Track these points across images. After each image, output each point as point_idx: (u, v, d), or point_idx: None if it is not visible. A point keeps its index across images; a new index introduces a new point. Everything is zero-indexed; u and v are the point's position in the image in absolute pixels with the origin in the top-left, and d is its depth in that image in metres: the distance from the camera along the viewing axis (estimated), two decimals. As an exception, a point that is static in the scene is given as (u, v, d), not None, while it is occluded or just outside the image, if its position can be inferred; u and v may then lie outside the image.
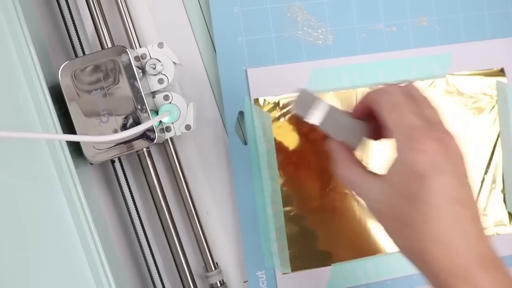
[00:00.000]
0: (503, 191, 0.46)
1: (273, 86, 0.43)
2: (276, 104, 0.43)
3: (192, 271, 0.44)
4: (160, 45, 0.40)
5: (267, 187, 0.43)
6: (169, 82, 0.40)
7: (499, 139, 0.46)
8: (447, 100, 0.46)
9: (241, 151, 0.43)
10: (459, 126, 0.46)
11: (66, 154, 0.37)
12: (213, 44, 0.44)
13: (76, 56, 0.43)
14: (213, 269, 0.43)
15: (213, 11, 0.43)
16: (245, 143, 0.44)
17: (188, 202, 0.43)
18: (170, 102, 0.40)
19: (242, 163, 0.43)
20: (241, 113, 0.43)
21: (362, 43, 0.45)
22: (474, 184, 0.45)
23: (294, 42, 0.44)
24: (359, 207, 0.44)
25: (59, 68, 0.38)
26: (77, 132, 0.38)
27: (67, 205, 0.37)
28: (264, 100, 0.43)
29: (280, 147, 0.43)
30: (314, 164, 0.44)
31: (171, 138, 0.43)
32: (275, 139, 0.43)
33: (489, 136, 0.46)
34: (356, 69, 0.44)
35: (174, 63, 0.40)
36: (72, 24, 0.43)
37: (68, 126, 0.39)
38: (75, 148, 0.39)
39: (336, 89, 0.44)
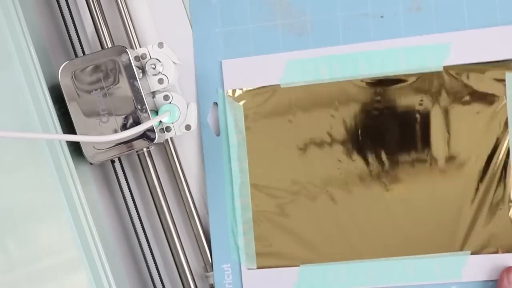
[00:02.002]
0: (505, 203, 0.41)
1: (248, 78, 0.42)
2: (250, 96, 0.43)
3: (192, 271, 0.43)
4: (160, 45, 0.40)
5: (236, 180, 0.43)
6: (169, 82, 0.40)
7: (509, 145, 0.41)
8: (443, 97, 0.41)
9: (213, 142, 0.43)
10: (458, 128, 0.41)
11: (66, 154, 0.38)
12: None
13: (76, 56, 0.43)
14: (213, 269, 0.43)
15: (192, 3, 0.43)
16: (218, 134, 0.43)
17: (188, 202, 0.43)
18: (170, 102, 0.40)
19: (214, 154, 0.43)
20: (215, 104, 0.43)
21: (345, 33, 0.41)
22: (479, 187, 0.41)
23: (272, 32, 0.42)
24: (334, 206, 0.42)
25: (59, 68, 0.38)
26: (77, 132, 0.38)
27: (67, 205, 0.37)
28: (237, 91, 0.43)
29: (251, 140, 0.43)
30: (286, 157, 0.42)
31: (171, 138, 0.43)
32: (246, 131, 0.43)
33: (495, 137, 0.41)
34: (336, 60, 0.41)
35: (174, 63, 0.40)
36: (72, 24, 0.43)
37: (68, 126, 0.39)
38: (75, 148, 0.39)
39: (312, 81, 0.42)
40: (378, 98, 0.41)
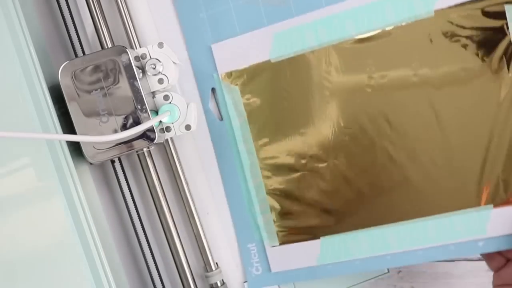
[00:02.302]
0: None
1: (238, 58, 0.42)
2: (244, 76, 0.43)
3: (192, 271, 0.44)
4: (160, 45, 0.40)
5: (245, 161, 0.43)
6: (169, 82, 0.40)
7: None
8: (439, 46, 0.38)
9: (218, 127, 0.43)
10: (459, 79, 0.38)
11: (66, 154, 0.38)
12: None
13: (76, 56, 0.43)
14: (213, 269, 0.43)
15: None
16: (221, 119, 0.44)
17: (188, 202, 0.43)
18: (170, 102, 0.40)
19: (221, 139, 0.43)
20: (214, 90, 0.44)
21: None
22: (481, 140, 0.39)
23: (253, 8, 0.42)
24: (346, 173, 0.41)
25: (59, 68, 0.38)
26: (77, 132, 0.38)
27: (67, 205, 0.37)
28: (231, 73, 0.43)
29: (252, 120, 0.43)
30: (289, 131, 0.42)
31: (171, 138, 0.43)
32: (246, 112, 0.43)
33: (504, 82, 0.38)
34: (322, 24, 0.40)
35: (174, 63, 0.40)
36: (72, 24, 0.43)
37: (68, 126, 0.39)
38: (75, 148, 0.39)
39: (302, 51, 0.41)
40: (371, 57, 0.40)
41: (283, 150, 0.43)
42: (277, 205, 0.43)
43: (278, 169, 0.43)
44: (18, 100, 0.37)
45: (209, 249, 0.44)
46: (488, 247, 0.39)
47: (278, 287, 0.45)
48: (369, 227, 0.41)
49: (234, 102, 0.43)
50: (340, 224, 0.42)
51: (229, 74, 0.43)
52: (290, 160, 0.43)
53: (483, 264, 0.48)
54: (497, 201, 0.39)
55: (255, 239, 0.44)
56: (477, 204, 0.39)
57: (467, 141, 0.39)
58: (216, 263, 0.44)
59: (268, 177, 0.43)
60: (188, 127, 0.40)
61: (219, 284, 0.43)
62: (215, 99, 0.44)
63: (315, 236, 0.42)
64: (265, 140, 0.43)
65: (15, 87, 0.37)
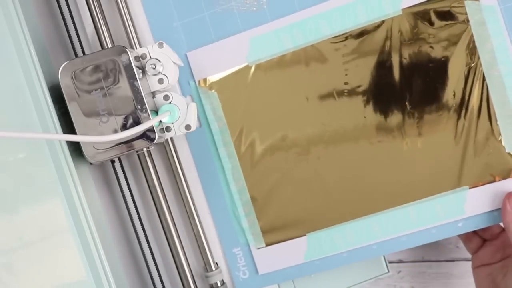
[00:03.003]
0: (494, 133, 0.41)
1: (215, 64, 0.43)
2: (221, 81, 0.43)
3: (192, 271, 0.44)
4: (160, 45, 0.40)
5: (226, 165, 0.43)
6: (169, 82, 0.40)
7: (483, 71, 0.40)
8: (410, 43, 0.41)
9: (197, 134, 0.44)
10: (427, 70, 0.41)
11: (66, 154, 0.38)
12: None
13: (76, 56, 0.43)
14: (213, 269, 0.43)
15: (145, 2, 0.43)
16: (200, 125, 0.44)
17: (188, 202, 0.43)
18: (170, 102, 0.40)
19: (201, 145, 0.44)
20: (191, 97, 0.44)
21: None
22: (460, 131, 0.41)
23: (228, 15, 0.43)
24: (325, 168, 0.42)
25: (59, 68, 0.38)
26: (77, 132, 0.38)
27: (67, 205, 0.37)
28: (208, 79, 0.43)
29: (232, 124, 0.43)
30: (268, 132, 0.43)
31: (171, 138, 0.43)
32: (225, 117, 0.43)
33: (467, 71, 0.41)
34: (296, 27, 0.42)
35: (174, 63, 0.40)
36: (72, 24, 0.43)
37: (68, 126, 0.39)
38: (75, 148, 0.39)
39: (279, 53, 0.42)
40: (347, 57, 0.42)
41: (263, 152, 0.43)
42: (261, 207, 0.43)
43: (260, 170, 0.43)
44: (18, 100, 0.37)
45: (209, 249, 0.44)
46: (467, 227, 0.41)
47: (278, 286, 0.45)
48: (353, 219, 0.42)
49: (213, 107, 0.43)
50: (325, 219, 0.43)
51: (206, 81, 0.43)
52: (271, 160, 0.43)
53: (483, 264, 0.48)
54: (472, 181, 0.41)
55: (240, 243, 0.44)
56: (454, 186, 0.41)
57: (440, 130, 0.41)
58: (216, 263, 0.44)
59: (250, 179, 0.43)
60: (188, 127, 0.40)
61: (219, 284, 0.43)
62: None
63: (301, 233, 0.43)
64: (246, 142, 0.43)
65: (15, 87, 0.37)
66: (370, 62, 0.42)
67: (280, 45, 0.42)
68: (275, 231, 0.43)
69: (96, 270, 0.37)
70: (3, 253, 0.35)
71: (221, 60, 0.43)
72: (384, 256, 0.45)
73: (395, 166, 0.42)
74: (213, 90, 0.43)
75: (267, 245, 0.43)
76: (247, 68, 0.43)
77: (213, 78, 0.43)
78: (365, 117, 0.42)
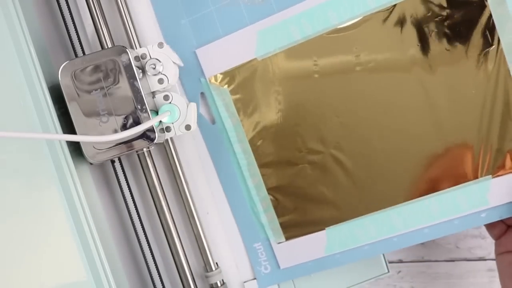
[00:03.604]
0: None
1: (224, 59, 0.42)
2: (232, 77, 0.43)
3: (192, 271, 0.44)
4: (160, 45, 0.40)
5: (242, 161, 0.43)
6: (169, 82, 0.40)
7: (504, 54, 0.38)
8: (422, 27, 0.40)
9: (211, 131, 0.44)
10: (445, 60, 0.39)
11: (66, 154, 0.38)
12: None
13: (76, 56, 0.43)
14: (213, 269, 0.43)
15: (153, 1, 0.43)
16: (214, 122, 0.44)
17: (188, 202, 0.43)
18: (170, 102, 0.41)
19: (216, 142, 0.44)
20: (203, 94, 0.44)
21: None
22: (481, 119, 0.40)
23: (235, 8, 0.42)
24: (344, 161, 0.42)
25: (59, 68, 0.38)
26: (77, 132, 0.38)
27: (67, 205, 0.37)
28: (219, 75, 0.43)
29: (245, 120, 0.43)
30: (283, 126, 0.43)
31: (171, 138, 0.43)
32: (238, 113, 0.43)
33: (486, 55, 0.39)
34: (304, 17, 0.41)
35: (174, 63, 0.40)
36: (72, 24, 0.43)
37: (68, 126, 0.39)
38: (75, 148, 0.39)
39: (288, 45, 0.42)
40: (357, 48, 0.41)
41: (279, 146, 0.43)
42: (279, 202, 0.43)
43: (276, 165, 0.43)
44: (18, 100, 0.37)
45: (209, 249, 0.44)
46: (491, 217, 0.40)
47: (277, 286, 0.45)
48: (373, 212, 0.42)
49: (225, 103, 0.43)
50: (344, 212, 0.42)
51: (217, 77, 0.43)
52: (287, 155, 0.43)
53: (483, 264, 0.48)
54: (495, 170, 0.40)
55: (260, 238, 0.44)
56: (476, 176, 0.40)
57: (460, 117, 0.40)
58: (216, 263, 0.44)
59: (267, 175, 0.43)
60: (188, 127, 0.41)
61: (219, 284, 0.43)
62: (205, 104, 0.44)
63: (320, 228, 0.43)
64: (260, 137, 0.43)
65: (15, 87, 0.37)
66: (382, 48, 0.40)
67: (289, 36, 0.41)
68: (294, 226, 0.43)
69: (96, 270, 0.37)
70: (2, 253, 0.35)
71: (231, 55, 0.42)
72: (384, 256, 0.45)
73: (415, 155, 0.41)
74: (224, 86, 0.43)
75: (287, 239, 0.43)
76: (256, 61, 0.42)
77: (223, 73, 0.43)
78: (383, 99, 0.40)
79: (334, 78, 0.42)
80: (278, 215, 0.43)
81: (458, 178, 0.40)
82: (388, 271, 0.45)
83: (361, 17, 0.40)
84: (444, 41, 0.40)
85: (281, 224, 0.43)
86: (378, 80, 0.41)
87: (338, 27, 0.41)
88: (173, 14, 0.43)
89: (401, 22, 0.40)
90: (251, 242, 0.44)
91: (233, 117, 0.43)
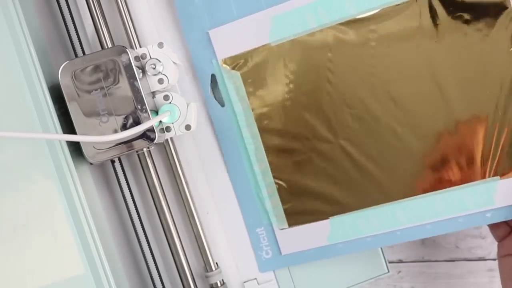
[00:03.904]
0: None
1: (237, 42, 0.42)
2: (244, 60, 0.42)
3: (192, 271, 0.44)
4: (160, 45, 0.40)
5: (250, 146, 0.43)
6: (169, 82, 0.40)
7: None
8: (442, 24, 0.39)
9: (220, 114, 0.43)
10: (461, 55, 0.39)
11: (66, 154, 0.38)
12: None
13: (76, 56, 0.43)
14: (213, 269, 0.43)
15: None
16: (223, 105, 0.43)
17: (188, 202, 0.43)
18: (170, 102, 0.41)
19: (224, 125, 0.43)
20: (214, 76, 0.43)
21: None
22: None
23: None
24: (352, 151, 0.42)
25: (59, 68, 0.38)
26: (77, 132, 0.38)
27: (67, 205, 0.37)
28: (231, 58, 0.42)
29: (255, 104, 0.43)
30: (292, 113, 0.42)
31: (171, 138, 0.43)
32: (249, 97, 0.43)
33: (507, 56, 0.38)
34: (321, 5, 0.40)
35: (174, 63, 0.40)
36: (72, 24, 0.43)
37: (68, 126, 0.39)
38: (75, 148, 0.39)
39: (302, 33, 0.41)
40: (374, 35, 0.40)
41: (287, 133, 0.42)
42: (284, 188, 0.43)
43: (284, 152, 0.43)
44: (18, 100, 0.37)
45: (209, 249, 0.44)
46: (496, 218, 0.40)
47: (278, 286, 0.45)
48: (377, 205, 0.42)
49: (236, 87, 0.42)
50: (349, 203, 0.42)
51: (229, 60, 0.42)
52: (295, 142, 0.42)
53: (483, 264, 0.48)
54: (503, 172, 0.40)
55: (263, 223, 0.44)
56: (484, 176, 0.40)
57: (471, 115, 0.40)
58: (216, 263, 0.44)
59: (274, 161, 0.43)
60: (188, 127, 0.41)
61: (219, 284, 0.43)
62: (216, 86, 0.43)
63: (324, 217, 0.43)
64: (269, 123, 0.43)
65: (15, 87, 0.37)
66: (396, 39, 0.40)
67: (303, 24, 0.41)
68: (298, 213, 0.43)
69: (96, 270, 0.37)
70: (3, 252, 0.35)
71: (244, 39, 0.42)
72: (384, 256, 0.45)
73: (423, 151, 0.41)
74: (236, 70, 0.42)
75: (290, 226, 0.43)
76: (269, 47, 0.42)
77: (235, 57, 0.42)
78: (393, 100, 0.40)
79: (347, 69, 0.41)
80: (283, 202, 0.43)
81: (466, 177, 0.40)
82: (388, 271, 0.45)
83: (379, 9, 0.40)
84: (463, 32, 0.39)
85: (285, 210, 0.43)
86: (390, 72, 0.40)
87: (356, 17, 0.40)
88: None
89: (419, 15, 0.39)
90: (254, 227, 0.44)
91: (243, 101, 0.43)
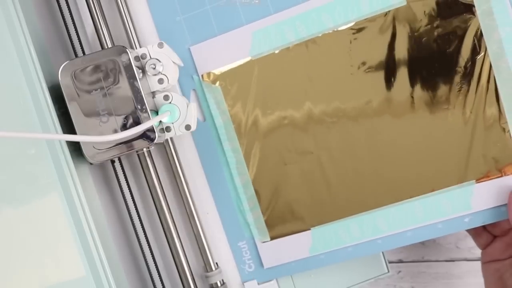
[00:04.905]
0: (501, 125, 0.40)
1: (218, 58, 0.43)
2: (225, 75, 0.43)
3: (192, 271, 0.44)
4: (160, 45, 0.40)
5: (231, 159, 0.43)
6: (169, 82, 0.40)
7: (491, 62, 0.40)
8: (415, 35, 0.41)
9: (201, 128, 0.44)
10: (432, 61, 0.41)
11: (66, 154, 0.38)
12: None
13: (76, 56, 0.43)
14: (213, 269, 0.43)
15: None
16: (204, 120, 0.44)
17: (188, 202, 0.43)
18: (170, 102, 0.41)
19: (205, 139, 0.44)
20: (195, 91, 0.44)
21: None
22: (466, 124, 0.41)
23: (231, 8, 0.43)
24: (330, 164, 0.42)
25: (59, 68, 0.38)
26: (77, 132, 0.38)
27: (67, 205, 0.37)
28: (212, 73, 0.43)
29: (236, 118, 0.43)
30: (273, 126, 0.43)
31: (171, 138, 0.43)
32: (229, 111, 0.43)
33: (475, 62, 0.40)
34: (299, 20, 0.41)
35: (174, 63, 0.40)
36: (72, 24, 0.43)
37: (68, 126, 0.39)
38: (75, 148, 0.39)
39: (282, 46, 0.42)
40: (350, 49, 0.41)
41: (269, 145, 0.43)
42: (265, 201, 0.43)
43: (265, 164, 0.43)
44: (18, 100, 0.37)
45: (209, 249, 0.44)
46: (474, 222, 0.41)
47: (277, 285, 0.45)
48: (358, 213, 0.42)
49: (217, 101, 0.43)
50: (329, 213, 0.43)
51: (210, 75, 0.43)
52: (277, 154, 0.43)
53: (483, 264, 0.48)
54: (478, 176, 0.40)
55: (245, 237, 0.44)
56: (460, 180, 0.41)
57: (446, 122, 0.41)
58: (216, 263, 0.44)
59: (255, 174, 0.43)
60: (188, 127, 0.41)
61: (219, 284, 0.43)
62: (197, 101, 0.44)
63: (305, 228, 0.43)
64: (250, 136, 0.43)
65: (15, 87, 0.37)
66: (374, 55, 0.41)
67: (283, 38, 0.42)
68: (279, 225, 0.43)
69: (96, 270, 0.37)
70: (2, 252, 0.35)
71: (225, 54, 0.43)
72: (384, 256, 0.45)
73: (401, 157, 0.41)
74: (216, 84, 0.43)
75: (272, 238, 0.43)
76: (251, 61, 0.43)
77: (216, 72, 0.43)
78: (370, 101, 0.41)
79: (327, 81, 0.42)
80: (264, 214, 0.43)
81: (443, 182, 0.41)
82: (388, 271, 0.45)
83: (354, 22, 0.41)
84: (433, 46, 0.41)
85: (266, 223, 0.43)
86: (370, 82, 0.41)
87: (333, 30, 0.42)
88: (169, 10, 0.43)
89: (393, 30, 0.41)
90: (235, 241, 0.44)
91: (223, 115, 0.43)
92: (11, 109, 0.37)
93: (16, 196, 0.36)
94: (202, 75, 0.43)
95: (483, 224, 0.41)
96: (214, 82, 0.43)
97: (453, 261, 0.49)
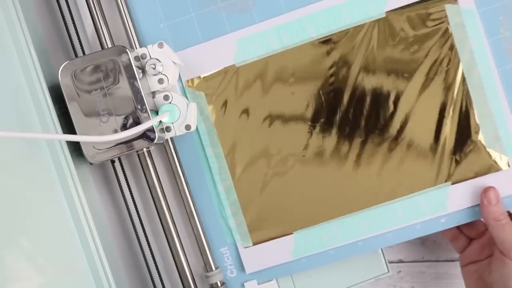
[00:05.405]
0: (474, 130, 0.42)
1: (203, 64, 0.43)
2: (209, 81, 0.43)
3: (192, 271, 0.44)
4: (160, 45, 0.40)
5: (213, 165, 0.43)
6: (169, 82, 0.40)
7: (463, 71, 0.42)
8: (391, 46, 0.42)
9: (184, 134, 0.43)
10: (409, 71, 0.42)
11: (66, 154, 0.38)
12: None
13: (76, 56, 0.43)
14: (213, 269, 0.43)
15: (131, 3, 0.43)
16: None
17: (188, 202, 0.43)
18: (170, 102, 0.41)
19: (187, 145, 0.44)
20: None
21: (286, 1, 0.43)
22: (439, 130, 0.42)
23: (216, 16, 0.43)
24: (312, 169, 0.43)
25: (59, 68, 0.38)
26: (77, 132, 0.38)
27: (67, 205, 0.37)
28: (196, 80, 0.43)
29: (219, 124, 0.43)
30: (256, 132, 0.43)
31: (171, 138, 0.43)
32: (212, 117, 0.43)
33: (449, 72, 0.42)
34: (283, 29, 0.42)
35: (174, 63, 0.40)
36: (72, 24, 0.43)
37: (68, 126, 0.39)
38: (75, 148, 0.39)
39: (266, 54, 0.43)
40: (331, 62, 0.43)
41: (251, 151, 0.43)
42: (247, 206, 0.43)
43: (248, 170, 0.43)
44: (18, 100, 0.37)
45: (209, 249, 0.44)
46: (450, 223, 0.42)
47: (277, 286, 0.45)
48: (339, 217, 0.43)
49: (200, 107, 0.43)
50: (311, 217, 0.43)
51: (193, 81, 0.43)
52: (258, 160, 0.43)
53: (483, 264, 0.47)
54: (454, 178, 0.42)
55: (227, 242, 0.44)
56: (437, 182, 0.42)
57: (420, 127, 0.42)
58: (216, 263, 0.44)
59: (237, 179, 0.43)
60: (188, 127, 0.41)
61: (219, 284, 0.43)
62: None
63: (288, 232, 0.43)
64: (233, 142, 0.43)
65: (15, 87, 0.37)
66: (346, 67, 0.43)
67: (267, 46, 0.43)
68: (262, 230, 0.44)
69: (96, 270, 0.37)
70: (2, 252, 0.35)
71: (209, 61, 0.43)
72: (384, 256, 0.45)
73: (378, 165, 0.43)
74: (200, 91, 0.43)
75: (254, 244, 0.44)
76: (235, 68, 0.43)
77: (200, 78, 0.43)
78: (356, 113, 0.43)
79: (308, 86, 0.43)
80: (246, 220, 0.44)
81: (421, 184, 0.42)
82: (388, 271, 0.45)
83: (337, 32, 0.42)
84: (408, 56, 0.42)
85: (248, 228, 0.44)
86: (347, 88, 0.43)
87: (315, 39, 0.42)
88: (152, 17, 0.43)
89: (367, 40, 0.42)
90: (217, 247, 0.44)
91: (206, 121, 0.43)
92: (11, 109, 0.37)
93: (16, 196, 0.36)
94: (185, 81, 0.43)
95: (458, 225, 0.42)
96: (198, 88, 0.43)
97: (453, 261, 0.49)
